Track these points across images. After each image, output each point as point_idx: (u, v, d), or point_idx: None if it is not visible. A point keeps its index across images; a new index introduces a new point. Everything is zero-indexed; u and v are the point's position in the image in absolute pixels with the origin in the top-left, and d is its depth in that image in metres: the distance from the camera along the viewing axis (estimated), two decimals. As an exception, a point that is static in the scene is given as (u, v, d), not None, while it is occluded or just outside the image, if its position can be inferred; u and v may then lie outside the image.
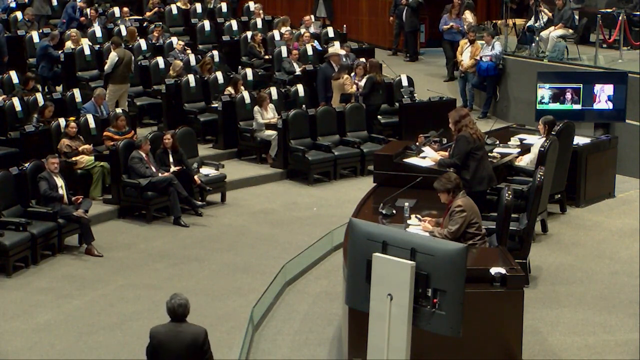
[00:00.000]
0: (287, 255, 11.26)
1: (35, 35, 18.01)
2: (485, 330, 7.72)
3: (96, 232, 12.00)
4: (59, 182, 11.93)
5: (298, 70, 17.43)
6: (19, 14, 19.27)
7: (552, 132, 11.94)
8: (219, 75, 16.57)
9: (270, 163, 15.15)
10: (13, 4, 20.17)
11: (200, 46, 19.04)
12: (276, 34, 19.05)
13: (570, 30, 17.67)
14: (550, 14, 17.95)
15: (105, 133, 13.90)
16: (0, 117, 14.21)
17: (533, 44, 17.56)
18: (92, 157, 13.42)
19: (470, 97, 18.19)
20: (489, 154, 11.30)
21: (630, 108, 14.47)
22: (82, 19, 19.53)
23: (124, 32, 18.41)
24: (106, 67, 15.89)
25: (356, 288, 6.27)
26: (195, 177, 13.33)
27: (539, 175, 10.19)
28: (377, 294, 6.04)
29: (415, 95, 16.58)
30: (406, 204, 9.29)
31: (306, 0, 23.84)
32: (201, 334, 7.01)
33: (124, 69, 15.95)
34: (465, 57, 17.83)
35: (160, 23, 19.52)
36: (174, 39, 18.37)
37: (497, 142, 12.39)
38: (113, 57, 15.84)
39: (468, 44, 17.88)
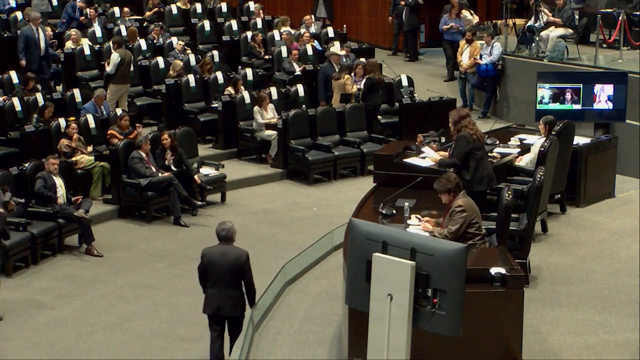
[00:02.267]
0: (287, 255, 11.25)
1: (35, 35, 18.00)
2: (485, 330, 7.71)
3: (96, 232, 12.01)
4: (58, 182, 11.93)
5: (298, 70, 17.42)
6: (19, 14, 19.25)
7: (552, 132, 11.93)
8: (219, 75, 16.57)
9: (270, 163, 15.15)
10: (13, 4, 20.15)
11: (200, 46, 19.03)
12: (276, 34, 19.04)
13: (570, 30, 17.66)
14: (550, 14, 17.94)
15: (110, 131, 13.90)
16: (0, 117, 14.21)
17: (533, 44, 17.56)
18: (92, 157, 13.43)
19: (470, 97, 18.19)
20: (489, 154, 11.29)
21: (630, 108, 14.46)
22: (82, 18, 19.50)
23: (124, 32, 18.40)
24: (109, 68, 15.84)
25: (356, 288, 6.26)
26: (196, 176, 13.34)
27: (539, 175, 10.18)
28: (377, 294, 6.03)
29: (415, 95, 16.59)
30: (406, 204, 9.28)
31: (306, 0, 23.83)
32: (243, 255, 8.45)
33: (126, 69, 15.94)
34: (464, 58, 17.82)
35: (160, 23, 19.52)
36: (174, 39, 18.36)
37: (497, 142, 12.37)
38: (115, 57, 15.81)
39: (466, 44, 17.88)
